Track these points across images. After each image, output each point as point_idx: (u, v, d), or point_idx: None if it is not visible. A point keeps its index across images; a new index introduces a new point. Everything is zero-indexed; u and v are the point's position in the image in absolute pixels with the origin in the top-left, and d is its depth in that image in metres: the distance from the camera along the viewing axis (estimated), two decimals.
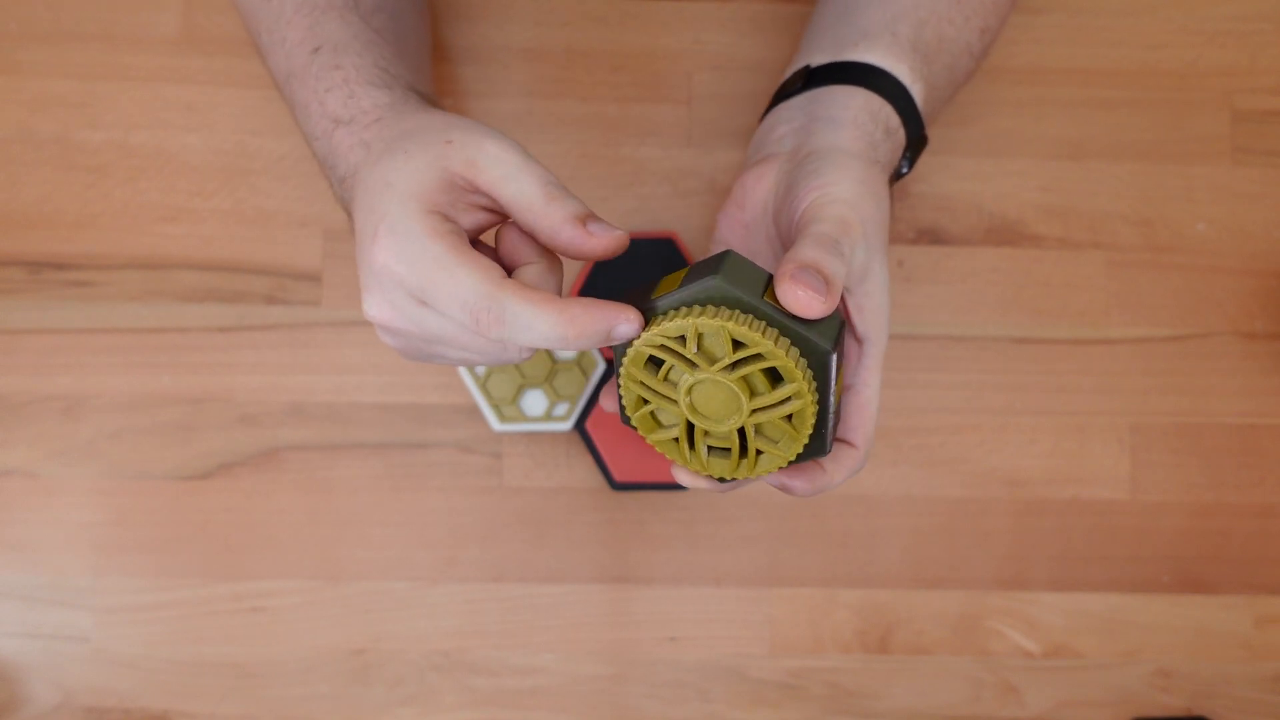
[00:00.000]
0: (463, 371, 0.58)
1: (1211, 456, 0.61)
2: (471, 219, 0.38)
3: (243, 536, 0.59)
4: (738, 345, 0.36)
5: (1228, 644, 0.61)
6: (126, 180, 0.60)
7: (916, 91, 0.47)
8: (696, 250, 0.60)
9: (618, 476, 0.58)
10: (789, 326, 0.36)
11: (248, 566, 0.59)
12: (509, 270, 0.39)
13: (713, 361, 0.37)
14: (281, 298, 0.60)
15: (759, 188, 0.45)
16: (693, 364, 0.37)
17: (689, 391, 0.37)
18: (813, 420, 0.37)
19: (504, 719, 0.59)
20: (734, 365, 0.37)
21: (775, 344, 0.35)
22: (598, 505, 0.60)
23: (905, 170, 0.48)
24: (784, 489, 0.40)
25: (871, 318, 0.41)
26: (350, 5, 0.46)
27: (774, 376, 0.37)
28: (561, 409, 0.58)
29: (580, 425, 0.58)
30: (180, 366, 0.59)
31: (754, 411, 0.37)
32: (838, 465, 0.41)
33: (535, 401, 0.58)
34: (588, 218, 0.37)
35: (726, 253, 0.37)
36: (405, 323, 0.38)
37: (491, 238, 0.41)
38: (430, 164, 0.37)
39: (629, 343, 0.37)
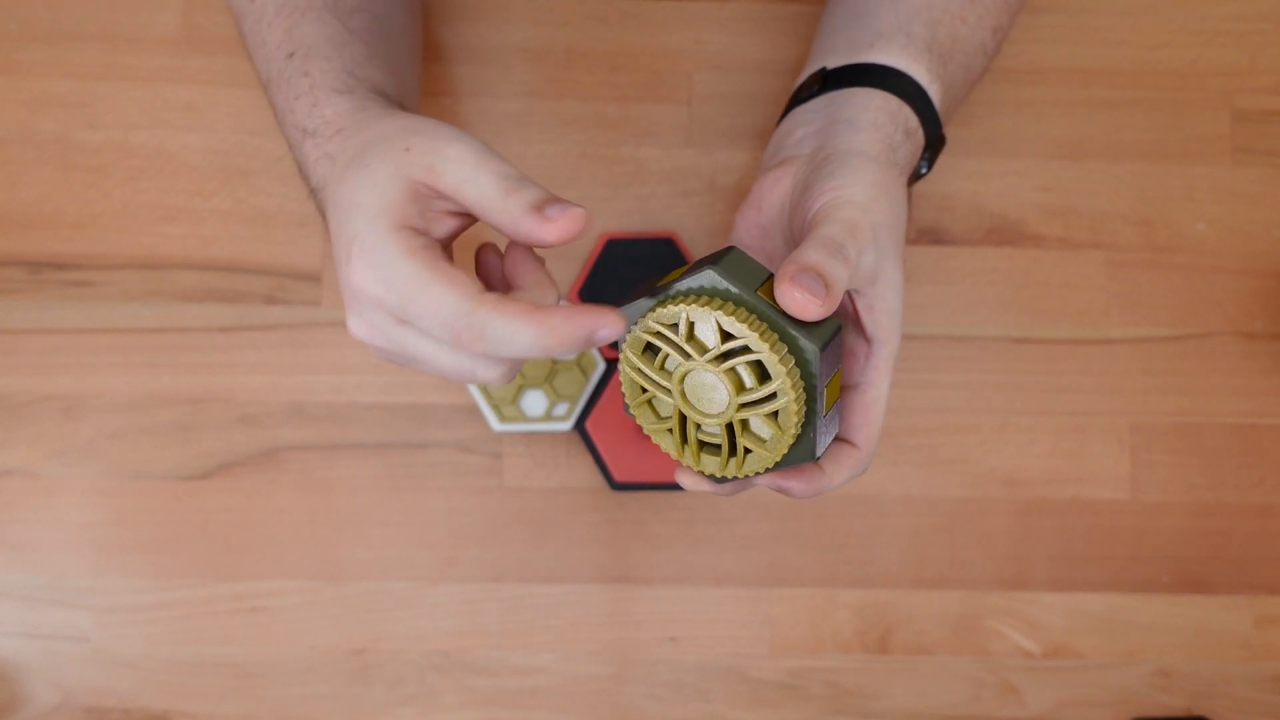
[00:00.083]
0: None
1: (1211, 456, 0.61)
2: (443, 226, 0.38)
3: (243, 536, 0.59)
4: (727, 337, 0.36)
5: (1228, 644, 0.61)
6: (126, 180, 0.60)
7: (933, 91, 0.46)
8: (696, 250, 0.60)
9: (618, 476, 0.58)
10: (781, 325, 0.36)
11: (248, 566, 0.59)
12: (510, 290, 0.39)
13: (703, 351, 0.37)
14: (281, 298, 0.60)
15: (776, 191, 0.45)
16: (685, 352, 0.37)
17: (681, 380, 0.38)
18: (797, 420, 0.37)
19: (504, 719, 0.59)
20: (723, 357, 0.37)
21: (762, 337, 0.36)
22: (598, 505, 0.60)
23: (924, 171, 0.48)
24: (781, 491, 0.40)
25: (882, 318, 0.41)
26: (329, 5, 0.46)
27: (764, 374, 0.37)
28: (561, 409, 0.58)
29: (580, 425, 0.58)
30: (180, 366, 0.59)
31: (741, 406, 0.37)
32: (838, 466, 0.41)
33: (535, 401, 0.58)
34: (545, 203, 0.36)
35: (730, 248, 0.38)
36: (386, 342, 0.38)
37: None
38: (392, 176, 0.37)
39: (628, 329, 0.38)
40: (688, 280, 0.37)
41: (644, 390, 0.40)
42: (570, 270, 0.60)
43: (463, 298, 0.35)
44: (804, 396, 0.37)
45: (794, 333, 0.36)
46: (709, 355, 0.37)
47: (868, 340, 0.41)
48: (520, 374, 0.58)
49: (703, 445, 0.40)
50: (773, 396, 0.37)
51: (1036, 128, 0.62)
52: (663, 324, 0.37)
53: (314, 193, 0.42)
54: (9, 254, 0.59)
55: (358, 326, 0.38)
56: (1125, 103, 0.62)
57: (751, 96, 0.61)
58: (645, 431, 0.40)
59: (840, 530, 0.60)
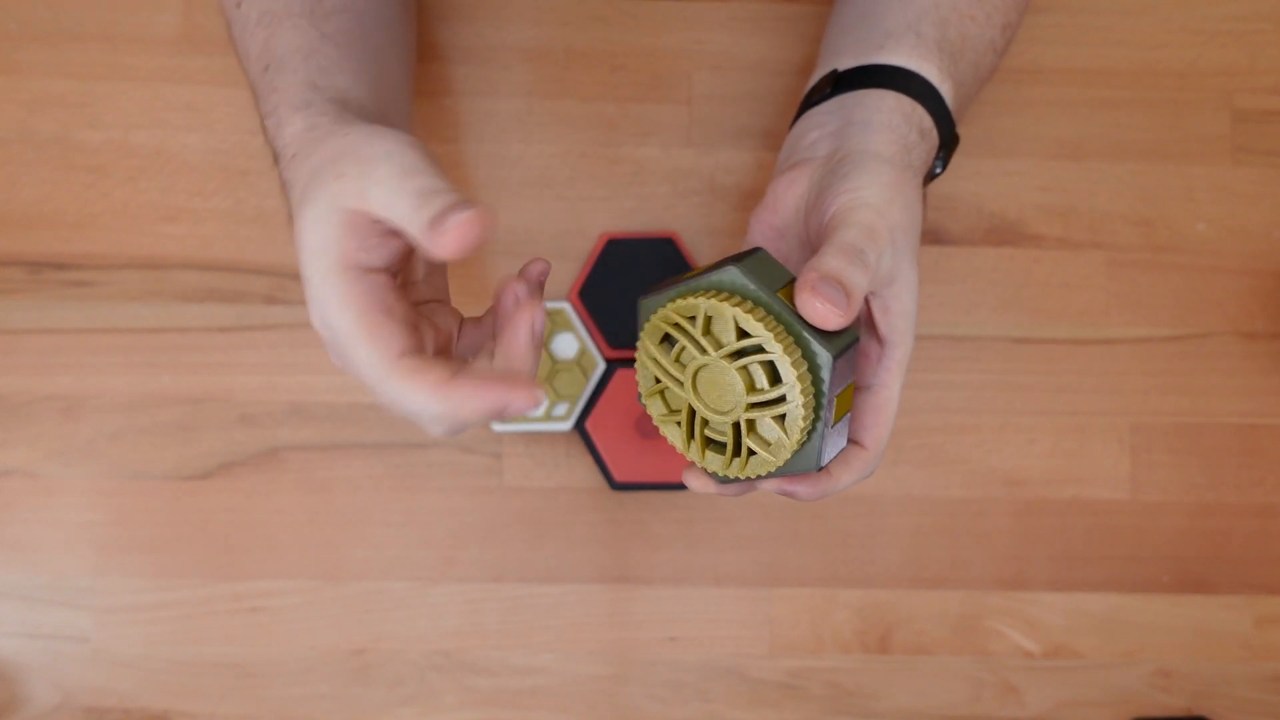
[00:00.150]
0: None
1: (1211, 456, 0.61)
2: (385, 251, 0.37)
3: (243, 536, 0.59)
4: (743, 335, 0.37)
5: (1228, 644, 0.61)
6: (126, 180, 0.60)
7: (945, 91, 0.46)
8: (696, 250, 0.60)
9: (618, 476, 0.58)
10: (797, 329, 0.36)
11: (248, 566, 0.59)
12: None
13: (719, 347, 0.37)
14: (281, 298, 0.60)
15: (791, 193, 0.44)
16: (700, 346, 0.37)
17: (695, 375, 0.38)
18: (803, 427, 0.37)
19: (504, 719, 0.59)
20: (737, 354, 0.37)
21: (777, 338, 0.36)
22: (598, 505, 0.60)
23: (939, 170, 0.48)
24: (787, 495, 0.40)
25: (896, 320, 0.41)
26: (306, 10, 0.45)
27: (776, 375, 0.37)
28: (561, 409, 0.58)
29: (580, 425, 0.58)
30: (180, 366, 0.59)
31: (750, 406, 0.37)
32: (845, 468, 0.41)
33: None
34: (442, 215, 0.34)
35: (757, 249, 0.38)
36: (349, 374, 0.39)
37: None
38: (328, 211, 0.36)
39: (648, 317, 0.38)
40: (710, 275, 0.37)
41: (658, 380, 0.40)
42: (570, 270, 0.60)
43: (379, 362, 0.35)
44: (813, 403, 0.37)
45: (809, 338, 0.36)
46: (723, 351, 0.37)
47: (881, 341, 0.41)
48: None
49: (709, 442, 0.40)
50: (782, 399, 0.37)
51: (1036, 128, 0.62)
52: (681, 316, 0.37)
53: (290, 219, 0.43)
54: (9, 254, 0.59)
55: (329, 353, 0.39)
56: (1125, 103, 0.62)
57: (751, 96, 0.61)
58: (654, 421, 0.40)
59: (840, 530, 0.60)
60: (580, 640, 0.59)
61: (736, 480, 0.40)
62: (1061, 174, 0.61)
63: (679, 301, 0.37)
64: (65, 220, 0.60)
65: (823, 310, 0.36)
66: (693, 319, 0.37)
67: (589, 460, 0.60)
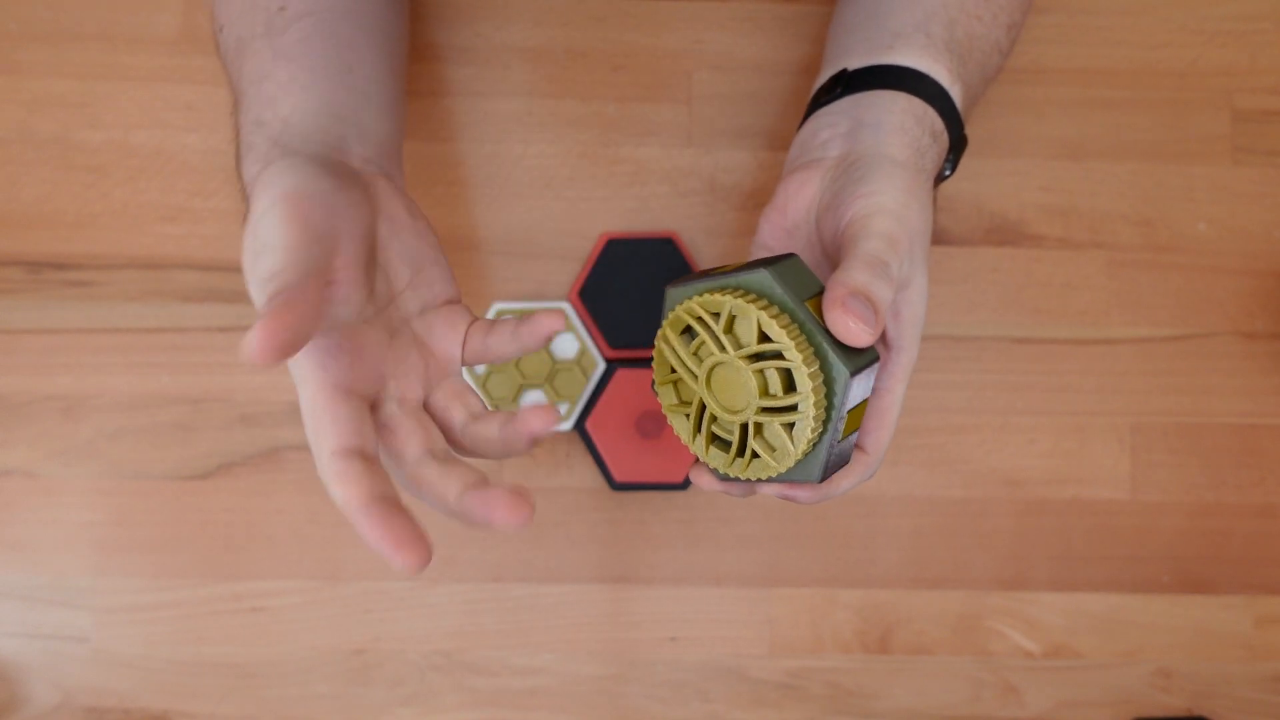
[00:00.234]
0: (463, 370, 0.58)
1: (1211, 456, 0.61)
2: (331, 315, 0.38)
3: (243, 536, 0.59)
4: (765, 339, 0.37)
5: (1228, 644, 0.61)
6: (126, 180, 0.60)
7: (955, 93, 0.46)
8: (696, 250, 0.60)
9: (618, 476, 0.58)
10: (818, 340, 0.36)
11: (248, 566, 0.59)
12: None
13: (739, 347, 0.37)
14: None
15: (802, 194, 0.44)
16: (720, 344, 0.37)
17: (710, 371, 0.38)
18: (810, 439, 0.37)
19: (504, 719, 0.59)
20: (756, 357, 0.37)
21: (798, 347, 0.36)
22: (598, 505, 0.60)
23: (948, 173, 0.48)
24: (787, 499, 0.40)
25: (906, 326, 0.41)
26: (265, 29, 0.45)
27: (791, 383, 0.37)
28: (561, 409, 0.58)
29: (580, 425, 0.58)
30: (180, 366, 0.59)
31: (761, 410, 0.37)
32: (844, 473, 0.41)
33: (535, 401, 0.58)
34: (265, 306, 0.33)
35: (791, 254, 0.38)
36: None
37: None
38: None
39: (673, 306, 0.38)
40: (741, 275, 0.37)
41: (673, 370, 0.40)
42: (570, 270, 0.60)
43: (324, 449, 0.35)
44: (823, 416, 0.37)
45: (829, 351, 0.36)
46: (742, 352, 0.37)
47: (887, 346, 0.41)
48: (520, 374, 0.58)
49: (714, 438, 0.40)
50: (794, 408, 0.37)
51: (1036, 128, 0.62)
52: (706, 311, 0.38)
53: None
54: (9, 254, 0.59)
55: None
56: (1125, 103, 0.62)
57: (751, 96, 0.61)
58: (663, 409, 0.41)
59: (840, 530, 0.60)
60: (580, 640, 0.59)
61: (737, 480, 0.40)
62: (1062, 174, 0.61)
63: (706, 297, 0.37)
64: (65, 220, 0.60)
65: (855, 329, 0.36)
66: (717, 316, 0.38)
67: (589, 460, 0.60)
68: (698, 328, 0.38)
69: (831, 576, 0.60)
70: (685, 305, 0.38)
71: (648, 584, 0.60)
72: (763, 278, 0.37)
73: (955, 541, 0.60)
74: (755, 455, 0.39)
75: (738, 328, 0.37)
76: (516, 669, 0.59)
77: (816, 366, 0.36)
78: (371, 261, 0.39)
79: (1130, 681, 0.60)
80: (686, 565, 0.60)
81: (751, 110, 0.61)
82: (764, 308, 0.36)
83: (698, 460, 0.42)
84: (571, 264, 0.60)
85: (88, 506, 0.59)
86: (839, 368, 0.36)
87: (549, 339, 0.40)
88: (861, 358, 0.37)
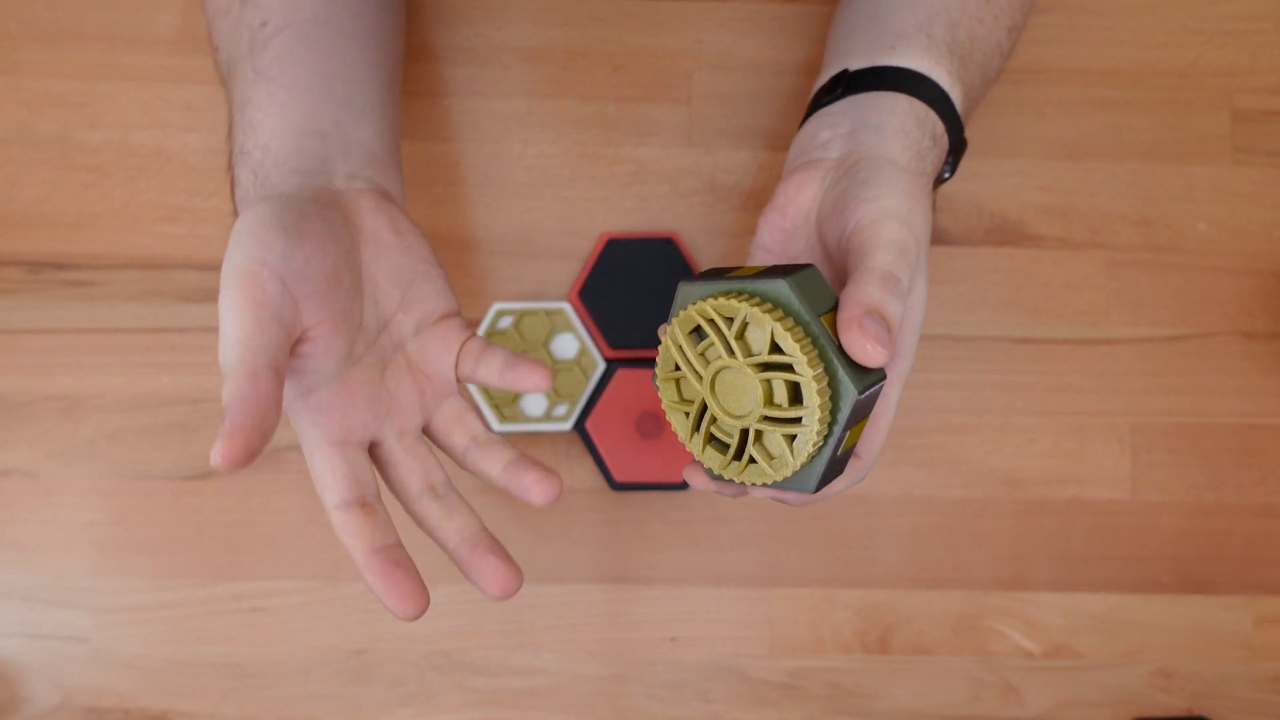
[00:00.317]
0: None
1: (1211, 456, 0.61)
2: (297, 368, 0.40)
3: (243, 536, 0.59)
4: (775, 349, 0.36)
5: (1228, 644, 0.61)
6: (126, 180, 0.60)
7: (955, 95, 0.46)
8: (696, 250, 0.60)
9: (618, 476, 0.58)
10: (829, 356, 0.36)
11: (247, 566, 0.59)
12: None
13: (748, 354, 0.37)
14: None
15: (802, 194, 0.44)
16: (730, 349, 0.37)
17: (716, 374, 0.38)
18: (810, 452, 0.37)
19: (504, 719, 0.59)
20: (765, 366, 0.37)
21: (809, 363, 0.36)
22: (598, 505, 0.60)
23: (948, 175, 0.48)
24: (776, 500, 0.41)
25: (906, 333, 0.41)
26: (247, 49, 0.45)
27: (797, 396, 0.37)
28: (561, 409, 0.58)
29: (580, 425, 0.58)
30: (180, 366, 0.59)
31: (764, 419, 0.37)
32: None
33: (535, 401, 0.58)
34: (227, 389, 0.37)
35: (809, 265, 0.38)
36: None
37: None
38: None
39: (685, 304, 0.39)
40: (759, 282, 0.37)
41: (677, 367, 0.40)
42: (570, 270, 0.60)
43: (326, 501, 0.39)
44: (825, 431, 0.37)
45: (840, 368, 0.36)
46: (751, 359, 0.37)
47: None
48: None
49: (711, 439, 0.40)
50: (797, 421, 0.37)
51: (1036, 128, 0.62)
52: (719, 314, 0.37)
53: None
54: (9, 254, 0.59)
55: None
56: (1125, 103, 0.62)
57: (751, 96, 0.61)
58: (663, 405, 0.40)
59: (840, 530, 0.60)
60: (580, 640, 0.59)
61: (730, 481, 0.40)
62: (1062, 174, 0.61)
63: (720, 300, 0.37)
64: (65, 220, 0.60)
65: (871, 350, 0.35)
66: (729, 320, 0.37)
67: (589, 460, 0.60)
68: (708, 329, 0.38)
69: (831, 576, 0.60)
70: (698, 306, 0.38)
71: (648, 584, 0.60)
72: (781, 288, 0.37)
73: (955, 541, 0.60)
74: (752, 461, 0.39)
75: (750, 335, 0.37)
76: (516, 669, 0.59)
77: (825, 383, 0.36)
78: (354, 300, 0.40)
79: (1130, 681, 0.60)
80: (686, 565, 0.60)
81: (751, 110, 0.61)
82: (779, 319, 0.36)
83: (693, 460, 0.42)
84: (571, 264, 0.60)
85: (87, 506, 0.59)
86: (847, 386, 0.36)
87: (532, 391, 0.44)
88: (870, 376, 0.37)
